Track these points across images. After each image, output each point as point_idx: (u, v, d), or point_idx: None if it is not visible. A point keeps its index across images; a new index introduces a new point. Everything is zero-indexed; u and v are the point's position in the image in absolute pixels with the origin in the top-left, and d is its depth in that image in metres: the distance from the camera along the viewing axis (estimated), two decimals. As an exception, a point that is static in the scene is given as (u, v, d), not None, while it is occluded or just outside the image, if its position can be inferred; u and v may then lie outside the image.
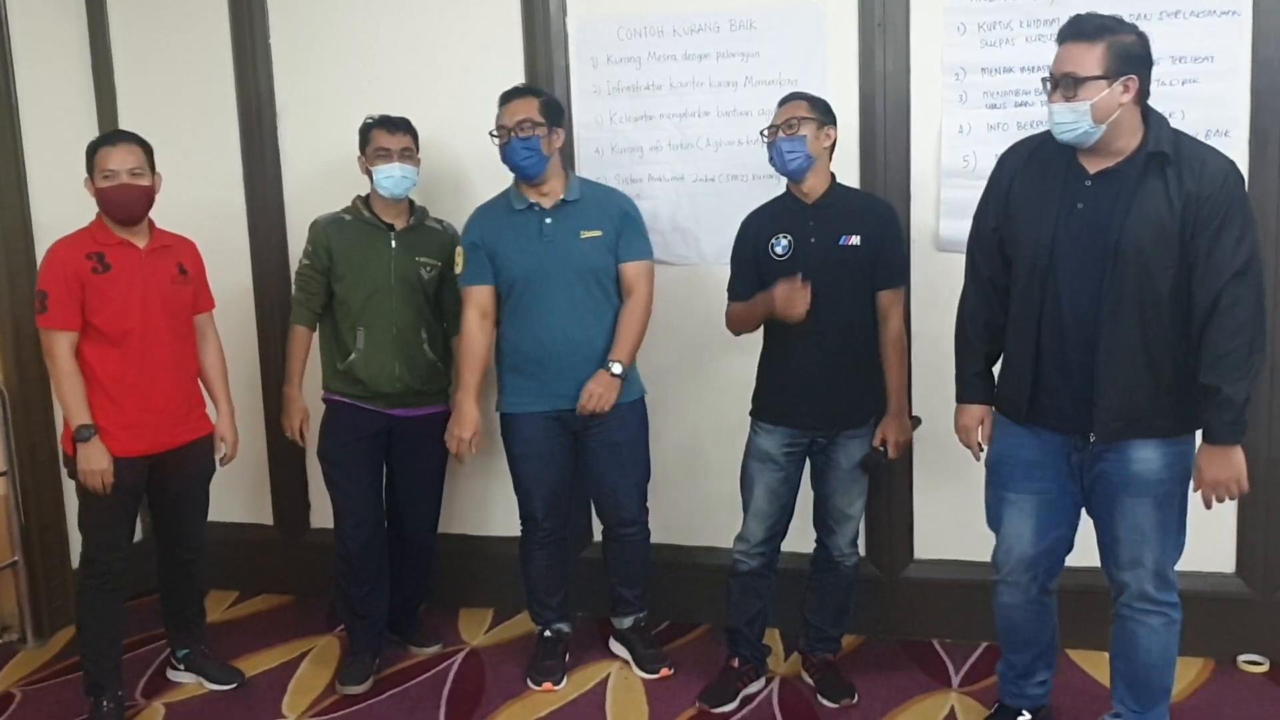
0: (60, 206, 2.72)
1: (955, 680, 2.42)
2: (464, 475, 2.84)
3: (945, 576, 2.57)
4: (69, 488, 2.77)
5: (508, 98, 2.30)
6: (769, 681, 2.42)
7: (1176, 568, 2.39)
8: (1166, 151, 1.73)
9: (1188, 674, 2.37)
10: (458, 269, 2.36)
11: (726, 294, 2.30)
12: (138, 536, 2.52)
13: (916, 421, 2.28)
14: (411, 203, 2.52)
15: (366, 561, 2.47)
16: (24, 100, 2.70)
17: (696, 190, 2.60)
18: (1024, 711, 2.13)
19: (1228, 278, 1.70)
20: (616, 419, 2.35)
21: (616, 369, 2.28)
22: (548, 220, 2.30)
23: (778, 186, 2.27)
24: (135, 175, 2.18)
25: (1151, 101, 2.29)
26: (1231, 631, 2.41)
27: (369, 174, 2.44)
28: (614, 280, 2.34)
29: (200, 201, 2.79)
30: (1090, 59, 1.70)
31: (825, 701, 2.32)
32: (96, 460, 2.16)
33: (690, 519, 2.72)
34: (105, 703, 2.27)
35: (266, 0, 2.78)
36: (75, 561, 2.78)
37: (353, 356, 2.43)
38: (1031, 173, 1.85)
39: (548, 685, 2.42)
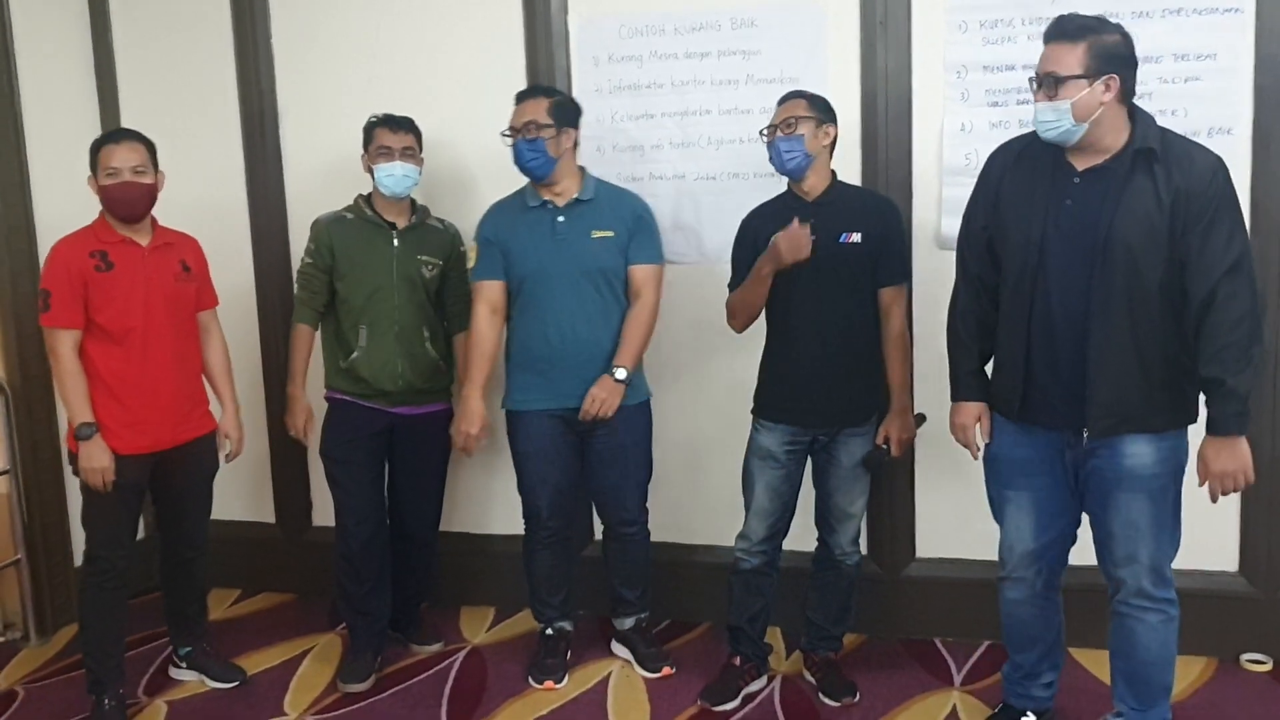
0: (62, 205, 2.73)
1: (957, 679, 2.41)
2: (466, 473, 2.84)
3: (947, 575, 2.57)
4: (71, 486, 2.77)
5: (519, 98, 2.32)
6: (770, 680, 2.42)
7: (1179, 566, 2.39)
8: (1154, 148, 1.74)
9: (1190, 673, 2.37)
10: (470, 263, 2.37)
11: (727, 291, 2.30)
12: (140, 534, 2.53)
13: (921, 419, 2.28)
14: (413, 202, 2.52)
15: (368, 560, 2.47)
16: (26, 99, 2.70)
17: (698, 189, 2.60)
18: (1028, 713, 2.12)
19: (1221, 273, 1.71)
20: (622, 421, 2.35)
21: (620, 374, 2.28)
22: (560, 219, 2.31)
23: (779, 185, 2.27)
24: (138, 173, 2.19)
25: (1154, 99, 2.31)
26: (1234, 630, 2.41)
27: (371, 172, 2.44)
28: (623, 281, 2.34)
29: (202, 200, 2.79)
30: (1071, 58, 1.72)
31: (827, 700, 2.32)
32: (98, 458, 2.16)
33: (691, 517, 2.72)
34: (107, 700, 2.28)
35: (268, -1, 2.80)
36: (78, 559, 2.79)
37: (355, 355, 2.43)
38: (1020, 171, 1.86)
39: (549, 683, 2.42)
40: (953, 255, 2.04)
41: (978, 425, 1.98)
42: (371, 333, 2.42)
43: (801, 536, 2.38)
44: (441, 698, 2.41)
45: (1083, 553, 2.01)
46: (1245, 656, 2.41)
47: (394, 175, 2.39)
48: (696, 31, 2.54)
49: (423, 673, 2.54)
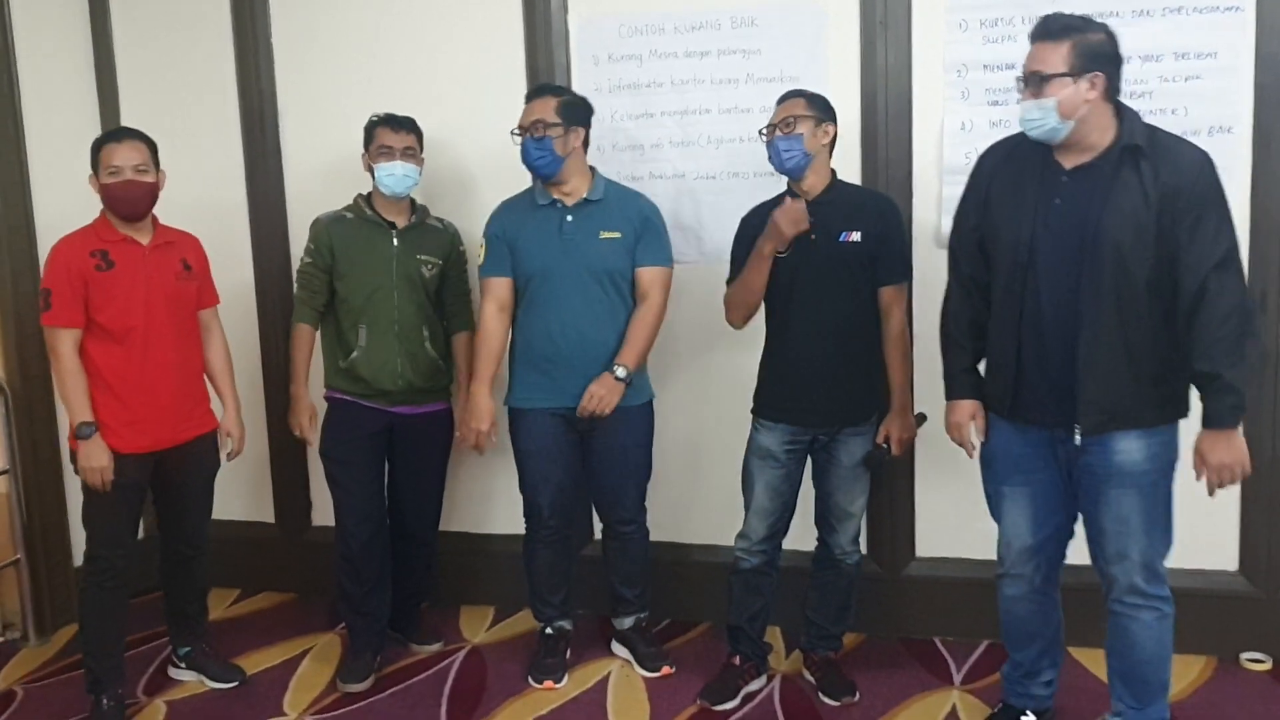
0: (62, 204, 2.73)
1: (957, 678, 2.41)
2: (465, 473, 2.84)
3: (947, 574, 2.56)
4: (71, 485, 2.78)
5: (528, 97, 2.32)
6: (770, 679, 2.42)
7: (1179, 565, 2.40)
8: (1140, 145, 1.75)
9: (1190, 672, 2.37)
10: (480, 259, 2.37)
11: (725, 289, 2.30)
12: (140, 534, 2.52)
13: (922, 418, 2.28)
14: (413, 201, 2.52)
15: (368, 559, 2.47)
16: (27, 98, 2.70)
17: (698, 188, 2.60)
18: (1028, 712, 2.12)
19: (1210, 268, 1.72)
20: (624, 422, 2.35)
21: (621, 372, 2.28)
22: (568, 218, 2.31)
23: (779, 184, 2.26)
24: (140, 172, 2.19)
25: (1155, 97, 2.31)
26: (1234, 629, 2.41)
27: (371, 172, 2.44)
28: (630, 283, 2.34)
29: (202, 199, 2.79)
30: (1055, 57, 1.74)
31: (826, 699, 2.32)
32: (97, 457, 2.16)
33: (691, 517, 2.72)
34: (106, 700, 2.28)
35: (268, -2, 2.80)
36: (77, 559, 2.79)
37: (355, 354, 2.43)
38: (1009, 171, 1.88)
39: (549, 683, 2.42)
40: (953, 254, 2.04)
41: (972, 423, 1.99)
42: (371, 332, 2.42)
43: (801, 536, 2.38)
44: (441, 697, 2.41)
45: (1082, 552, 2.00)
46: (1245, 656, 2.41)
47: (394, 175, 2.39)
48: (696, 30, 2.54)
49: (422, 672, 2.53)
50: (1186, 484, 2.37)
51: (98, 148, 2.21)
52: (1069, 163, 1.81)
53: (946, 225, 2.41)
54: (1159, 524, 1.86)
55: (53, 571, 2.76)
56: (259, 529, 3.05)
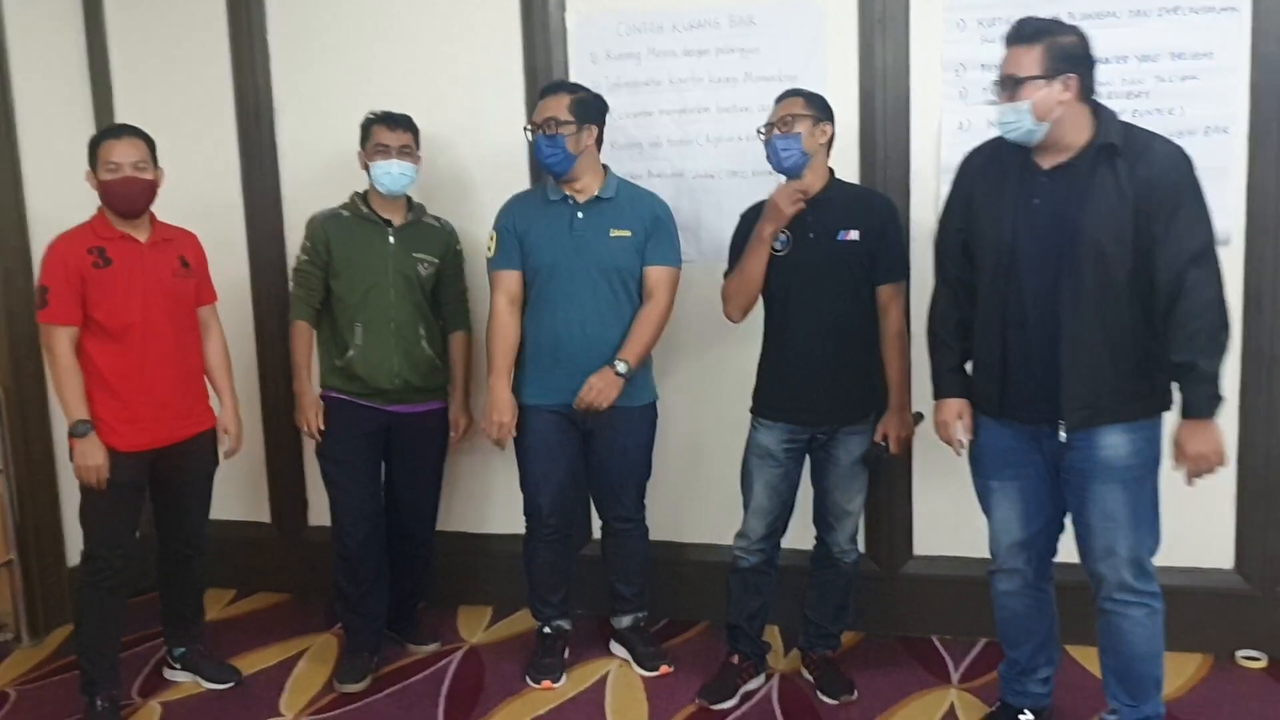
0: (56, 202, 2.71)
1: (955, 676, 2.42)
2: (463, 472, 2.84)
3: (945, 573, 2.57)
4: (65, 485, 2.76)
5: (542, 94, 2.32)
6: (769, 678, 2.42)
7: (1176, 563, 2.41)
8: (1115, 143, 1.78)
9: (1186, 669, 2.38)
10: (490, 252, 2.36)
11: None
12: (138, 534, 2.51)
13: (919, 417, 2.28)
14: (409, 199, 2.51)
15: (365, 559, 2.46)
16: (20, 95, 2.68)
17: (696, 186, 2.60)
18: (1025, 711, 2.13)
19: (1187, 260, 1.75)
20: (627, 422, 2.35)
21: (621, 368, 2.28)
22: (579, 215, 2.31)
23: (777, 183, 2.26)
24: (139, 168, 2.18)
25: (1151, 97, 2.32)
26: (1230, 627, 2.42)
27: (367, 169, 2.43)
28: (638, 282, 2.34)
29: (197, 197, 2.77)
30: (1029, 60, 1.77)
31: (825, 698, 2.32)
32: (92, 455, 2.15)
33: (690, 515, 2.72)
34: (100, 702, 2.26)
35: (264, -6, 2.78)
36: (71, 560, 2.78)
37: (351, 353, 2.42)
38: (991, 173, 1.92)
39: (547, 683, 2.42)
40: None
41: (959, 422, 2.01)
42: (367, 331, 2.41)
43: (800, 535, 2.38)
44: (438, 697, 2.40)
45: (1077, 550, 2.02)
46: (1241, 653, 2.42)
47: (391, 173, 2.38)
48: (695, 29, 2.54)
49: (420, 672, 2.52)
50: (1181, 485, 2.39)
51: (96, 144, 2.20)
52: (1047, 163, 1.84)
53: (945, 224, 2.43)
54: (1146, 519, 1.88)
55: (45, 572, 2.74)
56: (255, 529, 3.03)
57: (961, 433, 2.01)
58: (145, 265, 2.22)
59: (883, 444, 2.23)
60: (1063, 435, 1.85)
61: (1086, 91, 1.80)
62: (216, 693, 2.45)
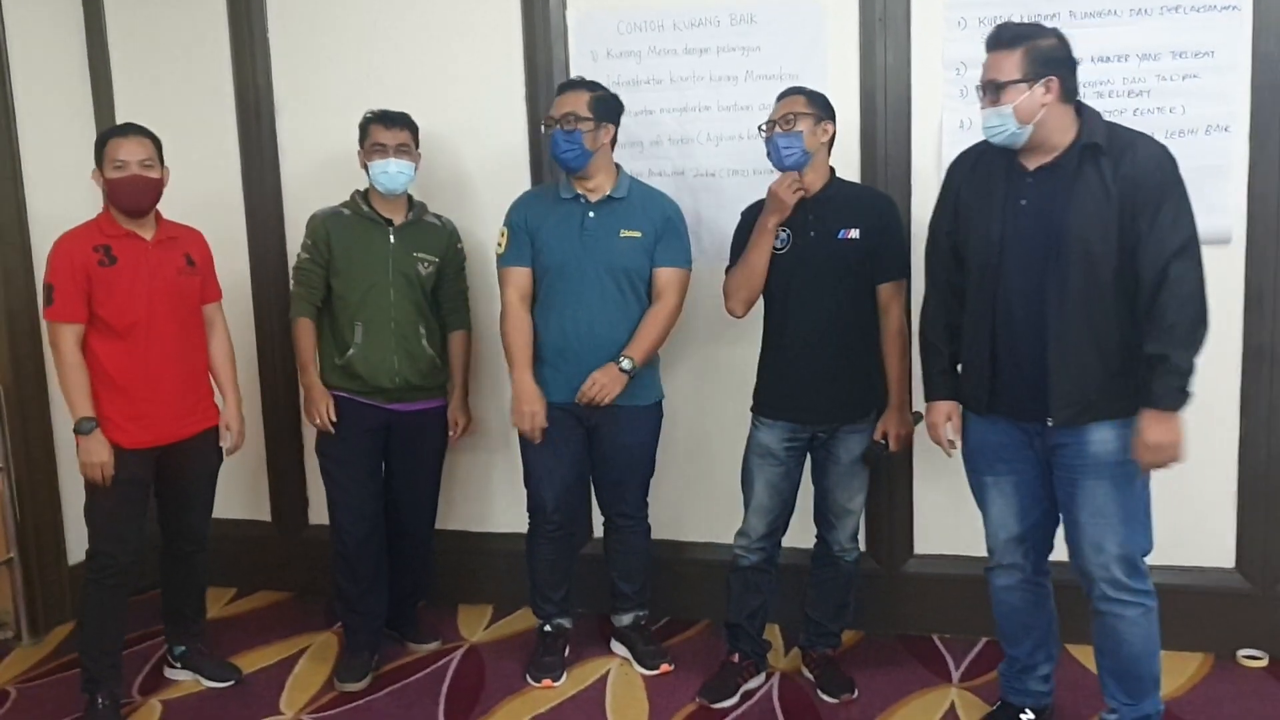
0: (56, 201, 2.71)
1: (955, 675, 2.42)
2: (462, 471, 2.84)
3: (945, 571, 2.57)
4: (65, 484, 2.76)
5: (560, 90, 2.32)
6: (769, 677, 2.42)
7: (1176, 562, 2.41)
8: (1099, 142, 1.80)
9: (1187, 669, 2.38)
10: (500, 249, 2.36)
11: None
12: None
13: (918, 417, 2.28)
14: (410, 198, 2.51)
15: (364, 558, 2.45)
16: (19, 93, 2.68)
17: (697, 185, 2.59)
18: (1026, 710, 2.13)
19: (1169, 255, 1.76)
20: (633, 421, 2.35)
21: (626, 364, 2.28)
22: (591, 214, 2.31)
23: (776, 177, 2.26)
24: (145, 167, 2.19)
25: (1152, 96, 2.32)
26: (1231, 626, 2.42)
27: (366, 169, 2.43)
28: (647, 283, 2.34)
29: (197, 195, 2.77)
30: (1009, 64, 1.81)
31: (825, 697, 2.32)
32: (97, 453, 2.16)
33: (691, 514, 2.71)
34: (101, 700, 2.26)
35: (264, -8, 2.78)
36: (71, 558, 2.78)
37: (351, 351, 2.42)
38: (978, 176, 1.94)
39: (547, 682, 2.42)
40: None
41: (949, 423, 2.03)
42: (367, 330, 2.41)
43: (800, 533, 2.38)
44: (439, 696, 2.40)
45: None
46: (1242, 653, 2.42)
47: (388, 172, 2.38)
48: (695, 27, 2.53)
49: (420, 671, 2.52)
50: (1181, 483, 2.39)
51: (103, 142, 2.21)
52: (1032, 164, 1.87)
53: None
54: (1135, 517, 1.88)
55: (46, 570, 2.74)
56: (256, 527, 3.03)
57: (951, 433, 2.04)
58: (150, 263, 2.23)
59: (882, 442, 2.23)
60: (1049, 424, 1.87)
61: (1069, 93, 1.83)
62: (217, 691, 2.45)
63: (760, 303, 2.28)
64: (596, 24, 2.59)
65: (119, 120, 2.84)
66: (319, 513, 2.89)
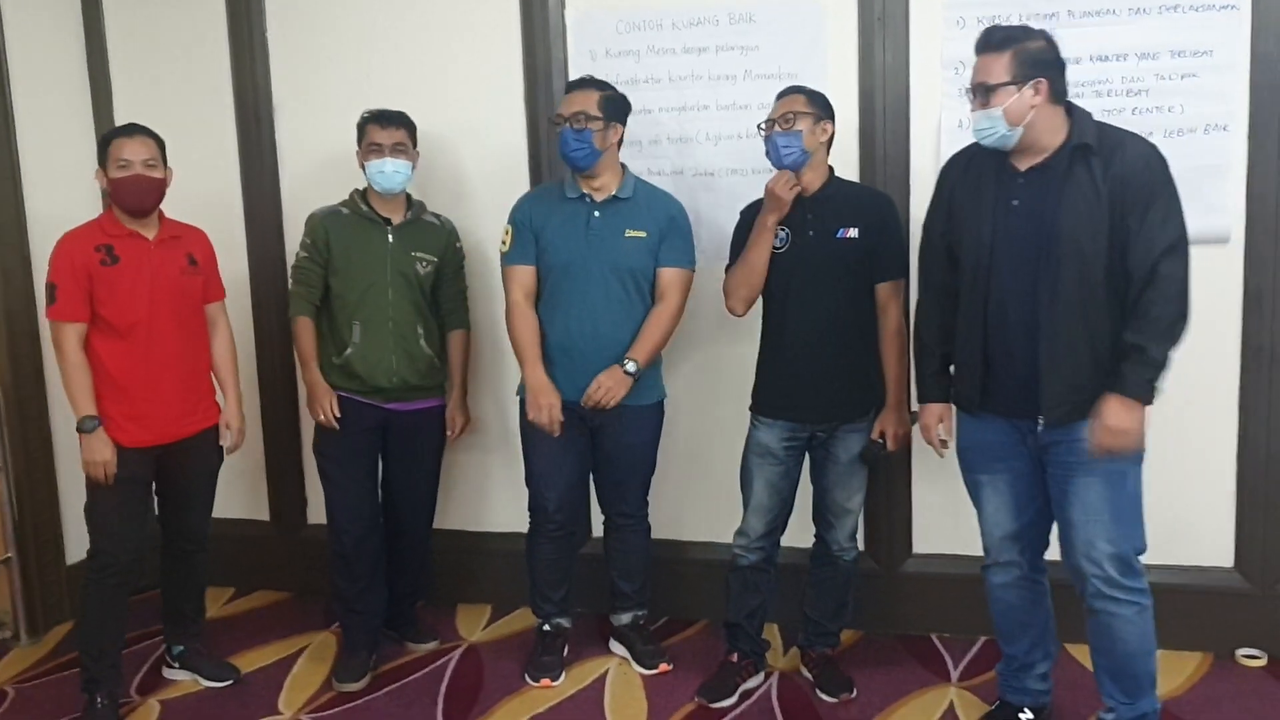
0: (55, 201, 2.71)
1: (954, 675, 2.42)
2: (461, 470, 2.83)
3: (944, 571, 2.57)
4: (64, 483, 2.76)
5: (570, 88, 2.32)
6: (768, 676, 2.42)
7: (1175, 561, 2.42)
8: (1090, 143, 1.82)
9: (1186, 668, 2.38)
10: (505, 247, 2.36)
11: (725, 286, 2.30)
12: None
13: (915, 417, 2.28)
14: (409, 197, 2.51)
15: (361, 557, 2.45)
16: (18, 93, 2.68)
17: (696, 184, 2.59)
18: (1025, 709, 2.13)
19: (1159, 253, 1.78)
20: (636, 420, 2.35)
21: (630, 367, 2.28)
22: (596, 213, 2.31)
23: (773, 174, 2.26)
24: (149, 167, 2.21)
25: (1150, 95, 2.32)
26: (1230, 625, 2.42)
27: (364, 168, 2.42)
28: (651, 283, 2.34)
29: (196, 195, 2.76)
30: (998, 67, 1.83)
31: (824, 696, 2.32)
32: (99, 451, 2.16)
33: (689, 514, 2.71)
34: (100, 699, 2.26)
35: (263, -8, 2.78)
36: (70, 558, 2.78)
37: (349, 351, 2.42)
38: (970, 178, 1.96)
39: (546, 681, 2.41)
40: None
41: (940, 425, 2.06)
42: (365, 329, 2.41)
43: (799, 533, 2.38)
44: (437, 696, 2.40)
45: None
46: (1241, 652, 2.42)
47: (384, 172, 2.38)
48: (694, 26, 2.54)
49: (418, 671, 2.52)
50: (1180, 482, 2.39)
51: (107, 142, 2.23)
52: (1023, 165, 1.89)
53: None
54: (1128, 515, 1.89)
55: (44, 570, 2.74)
56: (254, 527, 3.03)
57: (944, 433, 2.07)
58: (152, 263, 2.24)
59: (880, 441, 2.23)
60: (1040, 423, 1.88)
61: (1058, 94, 1.85)
62: (215, 691, 2.45)
63: (759, 302, 2.28)
64: (595, 23, 2.59)
65: (118, 120, 2.85)
66: (317, 512, 2.89)
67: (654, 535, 2.54)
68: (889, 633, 2.60)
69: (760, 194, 2.28)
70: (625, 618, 2.53)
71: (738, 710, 2.29)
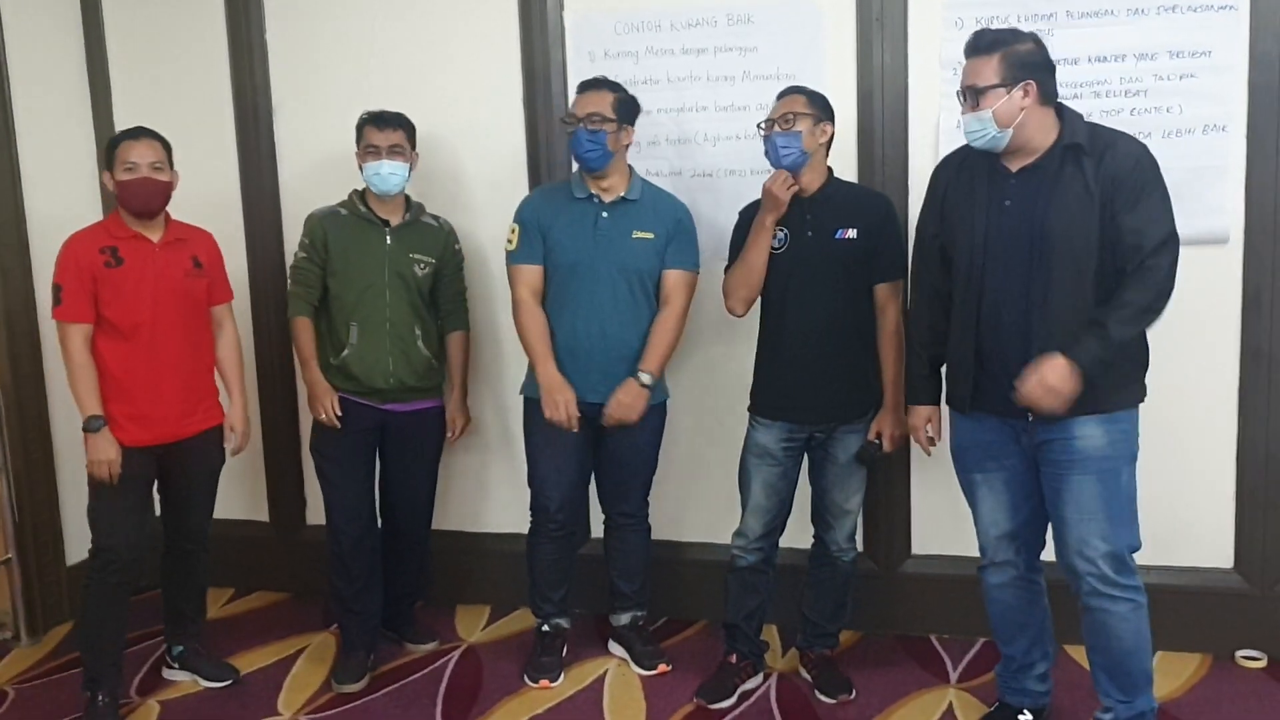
0: (55, 201, 2.72)
1: (953, 676, 2.41)
2: (459, 471, 2.83)
3: (943, 572, 2.56)
4: (64, 484, 2.77)
5: (583, 88, 2.32)
6: (767, 677, 2.42)
7: (1174, 563, 2.41)
8: (1081, 143, 1.83)
9: (1186, 669, 2.37)
10: (511, 246, 2.35)
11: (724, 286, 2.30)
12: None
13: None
14: (408, 198, 2.51)
15: (359, 557, 2.46)
16: (18, 95, 2.68)
17: (694, 185, 2.59)
18: (1025, 710, 2.13)
19: (1150, 249, 1.79)
20: (641, 421, 2.35)
21: (646, 379, 2.29)
22: (604, 214, 2.31)
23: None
24: (155, 169, 2.22)
25: (1149, 95, 2.32)
26: (1230, 627, 2.41)
27: (362, 169, 2.42)
28: (656, 284, 2.34)
29: (196, 195, 2.76)
30: (987, 70, 1.84)
31: (823, 697, 2.32)
32: (104, 450, 2.18)
33: (688, 514, 2.71)
34: (100, 697, 2.26)
35: (262, -7, 2.78)
36: (70, 559, 2.79)
37: (346, 352, 2.42)
38: (962, 179, 1.97)
39: (545, 682, 2.42)
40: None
41: (928, 425, 2.09)
42: (362, 330, 2.41)
43: (798, 533, 2.38)
44: (436, 697, 2.40)
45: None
46: (1240, 653, 2.41)
47: (380, 174, 2.38)
48: (693, 28, 2.54)
49: (417, 672, 2.52)
50: (1180, 483, 2.39)
51: (114, 145, 2.24)
52: (1015, 165, 1.90)
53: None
54: (1122, 513, 1.89)
55: (44, 571, 2.75)
56: (253, 528, 3.03)
57: (931, 431, 2.10)
58: (157, 265, 2.25)
59: (876, 442, 2.23)
60: (1030, 417, 1.88)
61: (1047, 96, 1.86)
62: (214, 691, 2.45)
63: (758, 302, 2.28)
64: (594, 25, 2.60)
65: (118, 121, 2.87)
66: (316, 513, 2.90)
67: (653, 536, 2.54)
68: (888, 634, 2.60)
69: (759, 194, 2.29)
70: (624, 618, 2.53)
71: (736, 711, 2.29)
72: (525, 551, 2.49)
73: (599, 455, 2.42)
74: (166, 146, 2.27)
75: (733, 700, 2.31)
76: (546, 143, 2.64)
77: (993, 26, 2.33)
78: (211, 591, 2.73)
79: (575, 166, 2.41)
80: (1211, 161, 2.30)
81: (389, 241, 2.43)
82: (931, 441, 2.12)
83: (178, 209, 2.41)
